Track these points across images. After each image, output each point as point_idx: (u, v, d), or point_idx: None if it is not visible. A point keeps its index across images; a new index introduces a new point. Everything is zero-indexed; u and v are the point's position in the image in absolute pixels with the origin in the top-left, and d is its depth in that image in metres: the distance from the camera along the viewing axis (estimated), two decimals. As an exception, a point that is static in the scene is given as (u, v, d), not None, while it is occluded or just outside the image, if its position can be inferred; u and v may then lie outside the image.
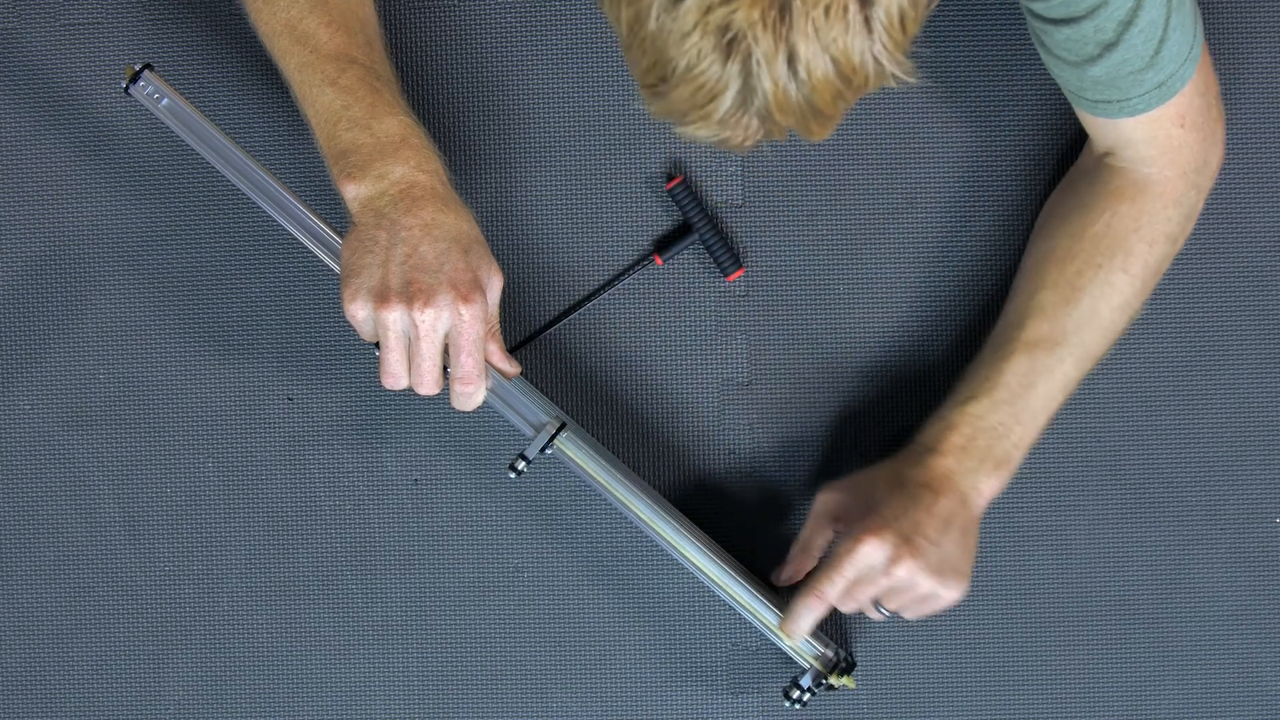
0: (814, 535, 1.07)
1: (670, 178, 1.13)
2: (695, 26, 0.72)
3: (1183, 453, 1.14)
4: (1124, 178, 1.02)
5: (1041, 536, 1.14)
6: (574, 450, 1.06)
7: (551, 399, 1.08)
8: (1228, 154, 1.09)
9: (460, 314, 0.95)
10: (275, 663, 1.16)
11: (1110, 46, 0.91)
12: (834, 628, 1.13)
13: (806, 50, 0.72)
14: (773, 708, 1.14)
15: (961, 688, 1.14)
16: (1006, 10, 1.13)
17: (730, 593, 1.07)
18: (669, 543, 1.07)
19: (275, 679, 1.16)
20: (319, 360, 1.15)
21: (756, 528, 1.14)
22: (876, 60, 0.74)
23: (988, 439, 1.02)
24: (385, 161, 0.95)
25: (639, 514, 1.07)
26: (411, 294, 0.94)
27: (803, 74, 0.73)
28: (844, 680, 1.07)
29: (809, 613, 1.02)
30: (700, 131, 0.77)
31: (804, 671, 1.07)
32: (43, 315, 1.16)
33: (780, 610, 1.07)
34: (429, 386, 0.98)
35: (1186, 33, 0.93)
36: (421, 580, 1.15)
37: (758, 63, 0.73)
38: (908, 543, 0.99)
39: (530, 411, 1.06)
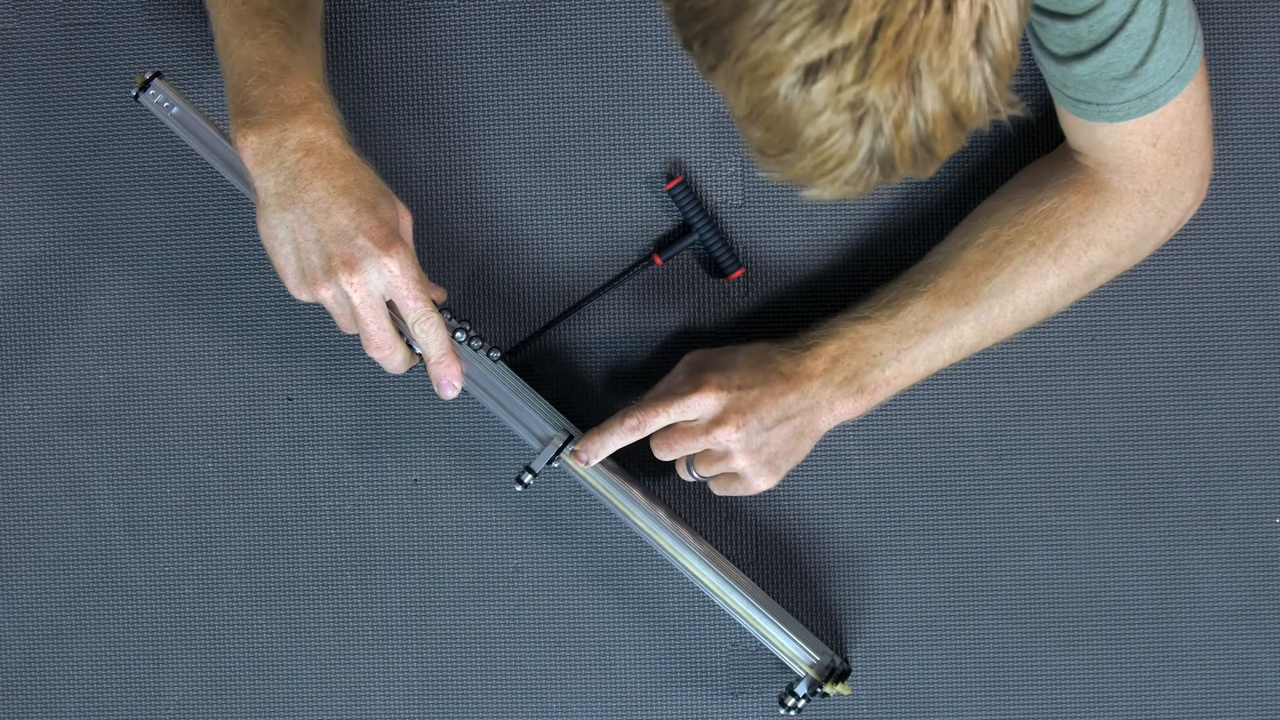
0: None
1: (670, 178, 1.13)
2: (827, 105, 0.73)
3: (1183, 453, 1.14)
4: (1085, 174, 1.03)
5: (1041, 536, 1.14)
6: (580, 464, 1.07)
7: (551, 399, 1.08)
8: (1229, 154, 1.09)
9: (388, 266, 0.96)
10: (275, 663, 1.16)
11: (1098, 47, 0.92)
12: (829, 632, 1.13)
13: (932, 107, 0.74)
14: (771, 710, 1.14)
15: (961, 688, 1.14)
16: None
17: (731, 604, 1.08)
18: (672, 554, 1.08)
19: (275, 679, 1.16)
20: (319, 360, 1.15)
21: (758, 532, 1.14)
22: (990, 102, 0.76)
23: (862, 361, 1.04)
24: (284, 123, 0.95)
25: (643, 526, 1.08)
26: (335, 268, 0.95)
27: (927, 129, 0.75)
28: (839, 688, 1.07)
29: (621, 435, 1.04)
30: (825, 193, 0.79)
31: (799, 679, 1.07)
32: (43, 315, 1.16)
33: (783, 622, 1.07)
34: (383, 347, 0.99)
35: (1178, 50, 0.93)
36: (421, 581, 1.15)
37: (887, 128, 0.74)
38: (739, 414, 1.02)
39: (536, 424, 1.07)
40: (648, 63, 1.14)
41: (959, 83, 0.73)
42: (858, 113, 0.73)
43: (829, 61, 0.71)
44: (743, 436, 1.02)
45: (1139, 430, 1.14)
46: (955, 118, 0.75)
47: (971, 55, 0.73)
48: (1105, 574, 1.14)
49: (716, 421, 1.02)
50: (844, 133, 0.74)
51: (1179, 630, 1.13)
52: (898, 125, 0.74)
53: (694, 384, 1.03)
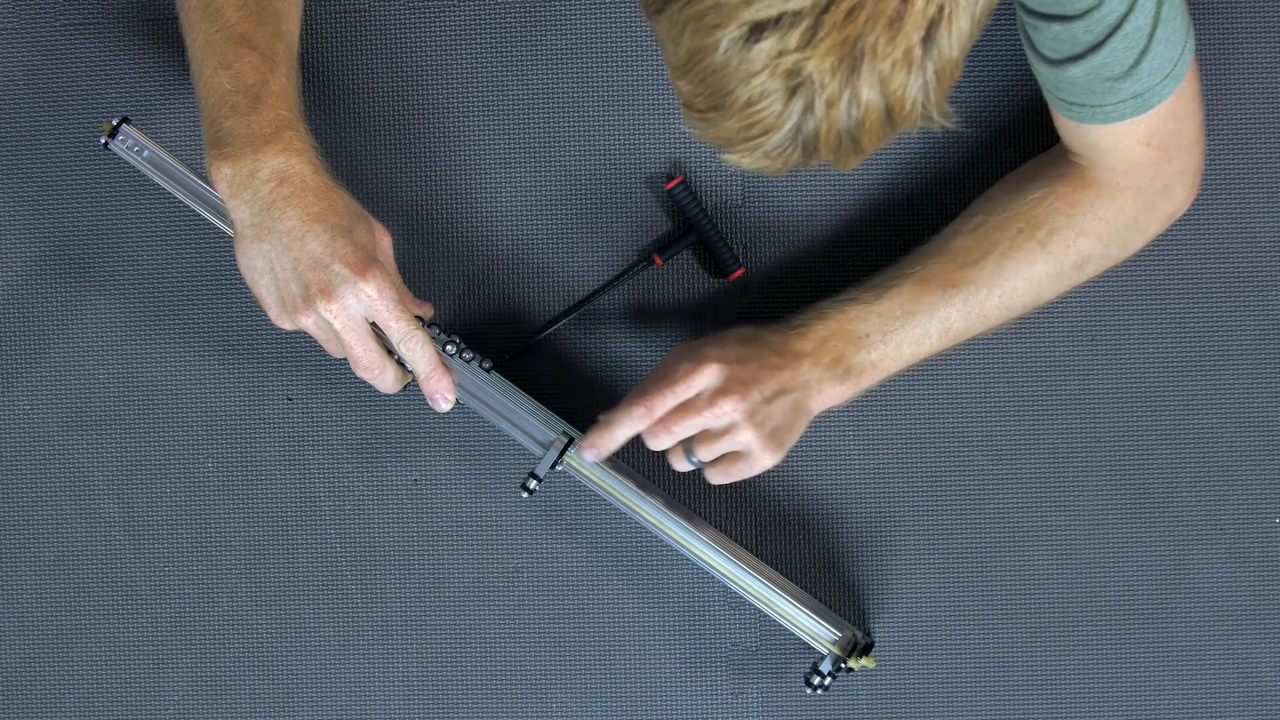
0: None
1: (670, 178, 1.13)
2: (764, 68, 0.73)
3: (1183, 453, 1.14)
4: (1077, 169, 1.03)
5: (1041, 536, 1.14)
6: (584, 463, 1.06)
7: (551, 399, 1.08)
8: (1229, 154, 1.09)
9: (365, 291, 0.96)
10: (275, 663, 1.16)
11: (1094, 48, 0.92)
12: (851, 609, 1.13)
13: (868, 95, 0.74)
14: (772, 707, 1.14)
15: (961, 688, 1.14)
16: (1009, 10, 1.12)
17: (753, 592, 1.07)
18: (685, 546, 1.07)
19: (275, 679, 1.16)
20: (319, 360, 1.15)
21: (757, 534, 1.14)
22: (925, 106, 0.76)
23: (848, 343, 1.03)
24: (257, 153, 0.95)
25: (652, 520, 1.07)
26: (312, 296, 0.95)
27: (858, 115, 0.75)
28: (863, 661, 1.07)
29: (630, 424, 1.02)
30: (743, 160, 0.78)
31: (823, 657, 1.07)
32: (43, 315, 1.16)
33: (802, 602, 1.07)
34: (372, 368, 0.99)
35: (1172, 49, 0.93)
36: (421, 581, 1.15)
37: (819, 105, 0.74)
38: (742, 384, 1.00)
39: (536, 430, 1.06)
40: (648, 63, 1.14)
41: (899, 76, 0.73)
42: (793, 82, 0.73)
43: (777, 23, 0.71)
44: (747, 407, 1.00)
45: (1139, 430, 1.14)
46: (888, 112, 0.75)
47: (918, 51, 0.73)
48: (1105, 574, 1.14)
49: (720, 392, 1.00)
50: (775, 100, 0.74)
51: (1179, 630, 1.14)
52: (830, 104, 0.74)
53: (692, 361, 1.01)
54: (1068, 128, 1.01)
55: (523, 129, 1.15)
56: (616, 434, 1.02)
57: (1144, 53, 0.92)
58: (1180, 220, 1.06)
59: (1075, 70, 0.93)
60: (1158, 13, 0.91)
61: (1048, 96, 0.99)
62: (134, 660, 1.16)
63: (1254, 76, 1.13)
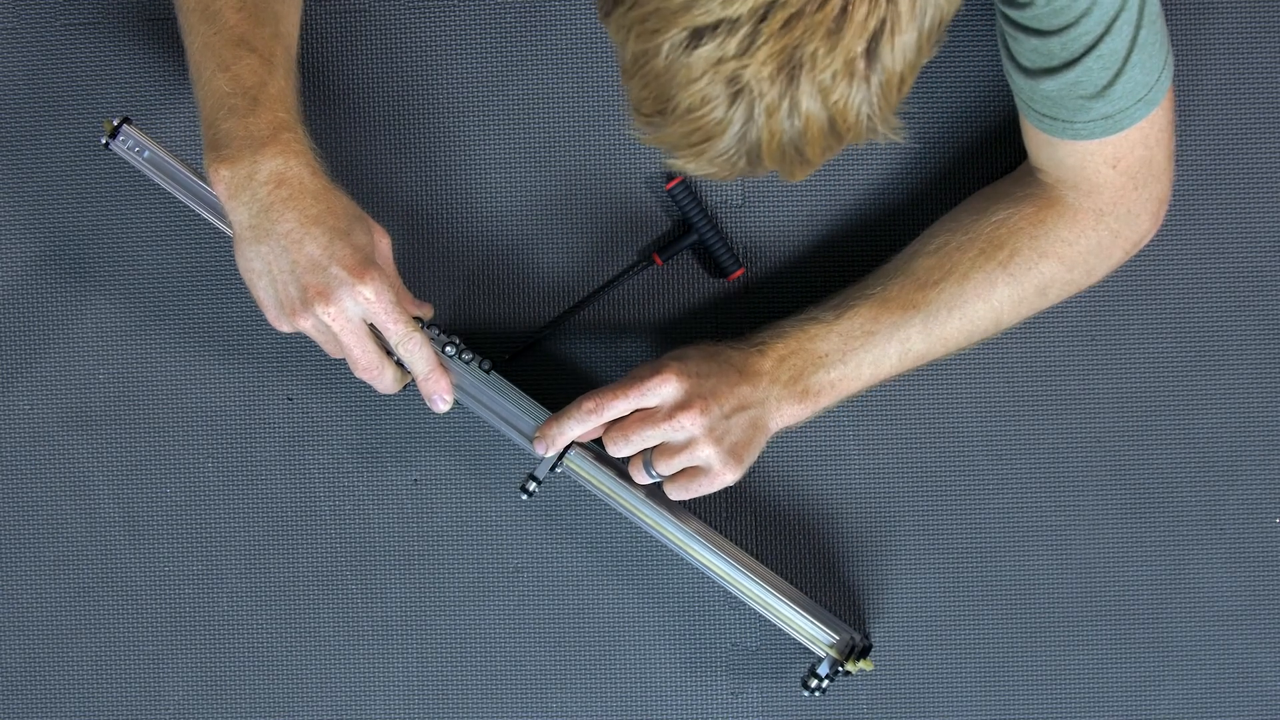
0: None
1: (670, 178, 1.13)
2: (705, 74, 0.73)
3: (1183, 453, 1.14)
4: (1042, 189, 1.03)
5: (1041, 536, 1.14)
6: (584, 465, 1.06)
7: (551, 400, 1.08)
8: (1229, 154, 1.09)
9: (363, 294, 0.96)
10: (275, 663, 1.16)
11: (1068, 65, 0.91)
12: (850, 609, 1.13)
13: (808, 105, 0.74)
14: (772, 707, 1.14)
15: (961, 688, 1.14)
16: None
17: (751, 595, 1.07)
18: (683, 548, 1.07)
19: (275, 679, 1.16)
20: (319, 360, 1.15)
21: (757, 534, 1.14)
22: (870, 119, 0.76)
23: (808, 361, 1.03)
24: (255, 155, 0.95)
25: (649, 521, 1.07)
26: (310, 298, 0.96)
27: (799, 125, 0.75)
28: (861, 664, 1.07)
29: (579, 420, 1.02)
30: (689, 165, 0.79)
31: (820, 660, 1.07)
32: (43, 315, 1.16)
33: (800, 605, 1.07)
34: (370, 369, 0.99)
35: (1148, 74, 0.93)
36: (421, 580, 1.15)
37: (760, 113, 0.74)
38: (702, 398, 1.00)
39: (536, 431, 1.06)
40: (648, 62, 1.14)
41: (840, 86, 0.73)
42: (733, 89, 0.73)
43: (715, 29, 0.72)
44: (707, 422, 1.00)
45: (1139, 430, 1.14)
46: (830, 123, 0.75)
47: (860, 63, 0.73)
48: (1105, 574, 1.14)
49: (680, 406, 1.00)
50: (716, 107, 0.74)
51: (1179, 630, 1.14)
52: (770, 112, 0.74)
53: (652, 368, 1.02)
54: (1037, 140, 1.00)
55: (523, 129, 1.15)
56: (565, 428, 1.03)
57: (1118, 75, 0.92)
58: (1180, 220, 1.06)
59: (1048, 84, 0.93)
60: (1134, 37, 0.91)
61: (1020, 105, 0.99)
62: (134, 660, 1.16)
63: (1253, 76, 1.13)
